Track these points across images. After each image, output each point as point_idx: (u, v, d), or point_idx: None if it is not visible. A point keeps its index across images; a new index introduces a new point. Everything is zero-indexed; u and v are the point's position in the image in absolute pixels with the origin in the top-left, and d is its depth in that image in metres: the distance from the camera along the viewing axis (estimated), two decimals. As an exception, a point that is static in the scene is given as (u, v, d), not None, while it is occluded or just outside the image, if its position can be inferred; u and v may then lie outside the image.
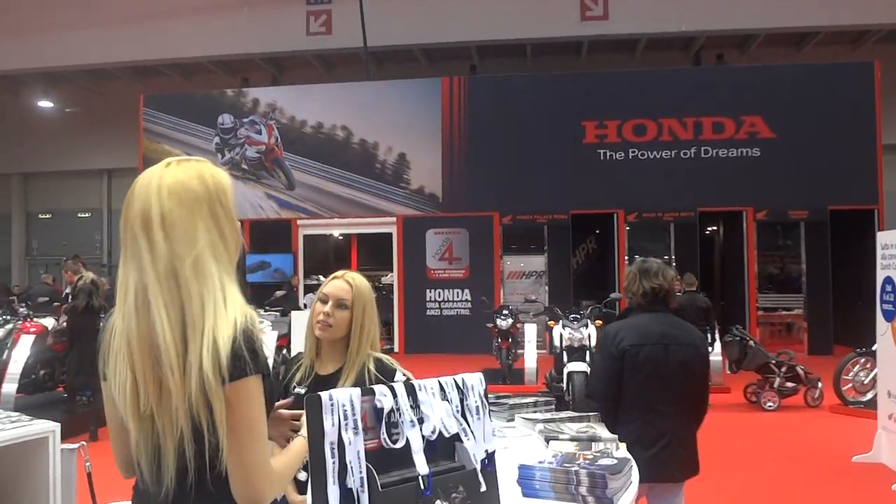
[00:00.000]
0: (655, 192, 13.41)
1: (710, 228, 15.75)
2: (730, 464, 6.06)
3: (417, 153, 14.24)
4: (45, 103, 20.16)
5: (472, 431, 1.53)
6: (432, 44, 15.69)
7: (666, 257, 14.21)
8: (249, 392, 1.33)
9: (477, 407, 1.57)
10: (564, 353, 6.90)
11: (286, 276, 14.06)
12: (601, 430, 2.37)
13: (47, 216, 22.62)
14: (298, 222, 14.61)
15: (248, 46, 15.65)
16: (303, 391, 2.41)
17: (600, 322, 7.20)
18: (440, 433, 1.48)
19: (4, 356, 7.69)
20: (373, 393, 1.43)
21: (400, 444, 1.42)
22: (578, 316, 7.12)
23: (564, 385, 6.62)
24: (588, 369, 6.55)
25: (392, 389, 1.45)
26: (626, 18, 14.59)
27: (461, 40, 15.42)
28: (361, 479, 1.35)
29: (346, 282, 2.42)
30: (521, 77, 14.86)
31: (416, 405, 1.48)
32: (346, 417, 1.37)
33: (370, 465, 1.36)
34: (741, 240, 13.59)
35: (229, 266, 1.47)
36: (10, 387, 7.40)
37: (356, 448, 1.36)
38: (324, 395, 1.36)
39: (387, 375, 2.35)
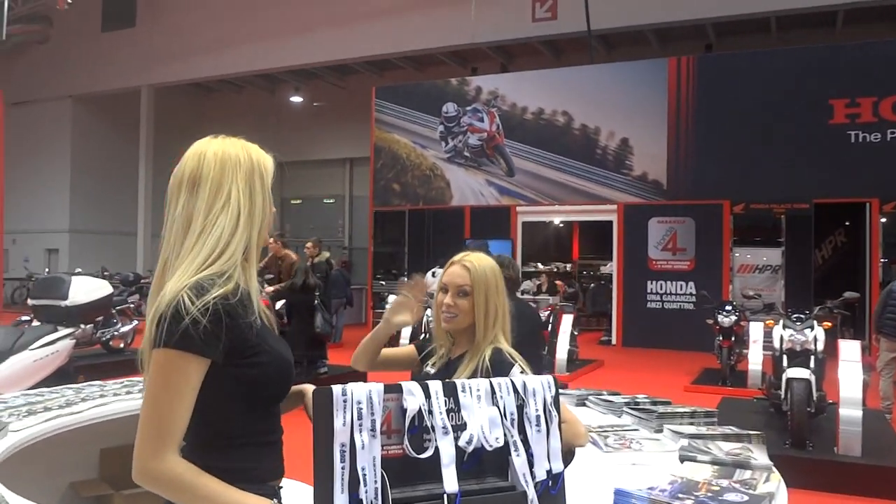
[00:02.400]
0: (920, 179, 11.61)
1: None
2: None
3: (641, 138, 13.55)
4: (296, 98, 22.01)
5: (525, 445, 1.27)
6: (664, 23, 14.83)
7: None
8: (157, 363, 1.33)
9: (538, 416, 1.30)
10: (784, 356, 6.13)
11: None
12: (759, 455, 1.95)
13: (298, 201, 24.76)
14: (518, 209, 14.56)
15: (476, 36, 15.82)
16: (432, 371, 2.29)
17: (829, 324, 6.31)
18: (480, 444, 1.23)
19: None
20: (400, 390, 1.22)
21: (427, 454, 1.20)
22: (803, 316, 6.28)
23: (783, 392, 5.87)
24: (812, 377, 5.76)
25: (425, 388, 1.24)
26: (890, -21, 12.76)
27: (696, 17, 14.41)
28: (376, 490, 1.16)
29: (463, 267, 2.22)
30: (758, 53, 13.54)
31: (456, 409, 1.25)
32: (360, 417, 1.17)
33: (385, 475, 1.16)
34: None
35: (245, 237, 1.44)
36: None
37: (371, 453, 1.17)
38: (336, 388, 1.18)
39: (500, 369, 2.12)
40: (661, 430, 2.30)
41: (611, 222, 13.76)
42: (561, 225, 17.42)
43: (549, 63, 16.85)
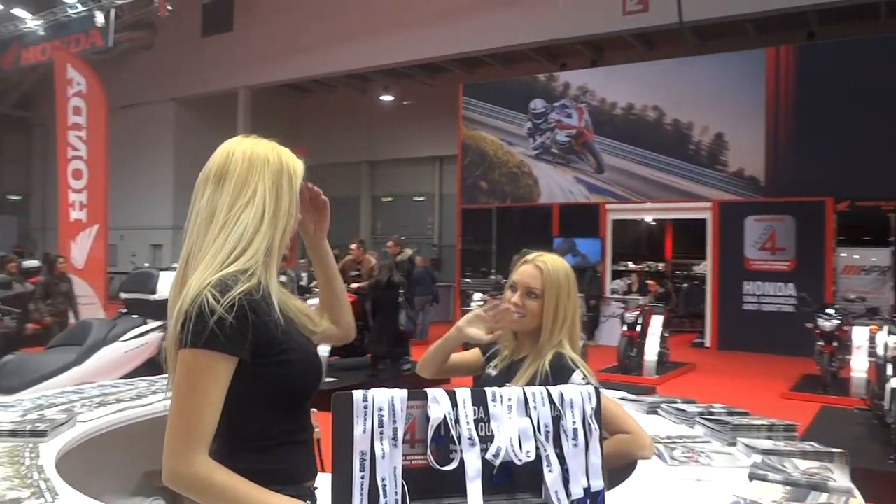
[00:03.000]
0: None
1: None
2: None
3: (736, 132, 12.99)
4: (386, 98, 22.27)
5: (561, 460, 1.18)
6: (762, 12, 14.18)
7: None
8: (185, 364, 1.31)
9: (575, 429, 1.21)
10: (889, 364, 5.72)
11: (588, 261, 13.80)
12: (839, 477, 1.79)
13: (389, 199, 25.08)
14: (607, 206, 14.24)
15: (565, 31, 15.56)
16: (494, 372, 2.23)
17: (939, 331, 5.85)
18: (509, 458, 1.15)
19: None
20: (425, 398, 1.15)
21: (452, 466, 1.13)
22: (909, 321, 5.86)
23: (886, 403, 5.48)
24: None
25: (452, 396, 1.17)
26: None
27: (797, 5, 13.70)
28: (396, 501, 1.10)
29: (535, 267, 2.15)
30: (865, 41, 12.76)
31: (486, 419, 1.18)
32: (381, 424, 1.12)
33: (406, 486, 1.10)
34: None
35: (269, 236, 1.41)
36: (325, 349, 8.21)
37: (392, 463, 1.11)
38: (356, 394, 1.13)
39: (560, 374, 2.03)
40: (734, 444, 2.15)
41: (705, 220, 13.28)
42: (653, 223, 16.94)
43: (641, 57, 16.40)
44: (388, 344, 8.24)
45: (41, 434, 2.04)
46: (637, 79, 14.26)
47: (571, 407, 1.22)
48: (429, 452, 1.13)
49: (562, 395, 1.22)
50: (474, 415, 1.17)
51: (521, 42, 16.60)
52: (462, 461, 1.13)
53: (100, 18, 17.25)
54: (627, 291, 13.03)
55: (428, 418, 1.14)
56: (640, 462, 1.96)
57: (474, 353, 2.37)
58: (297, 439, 1.44)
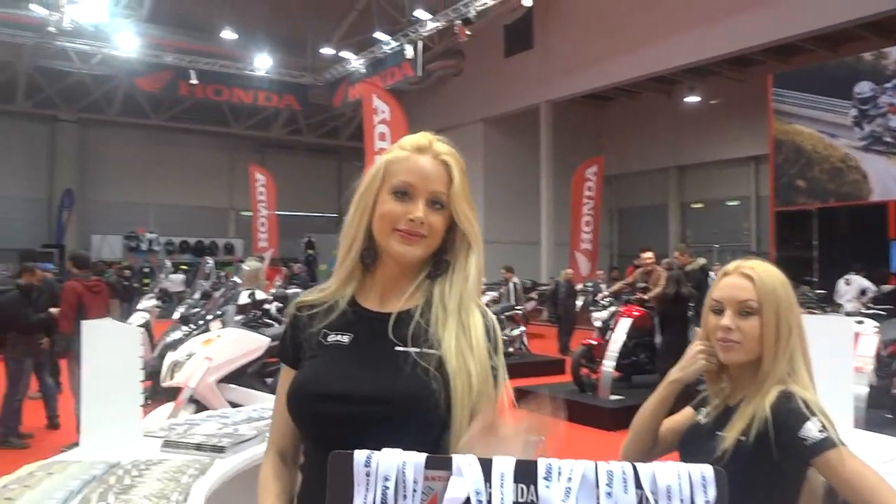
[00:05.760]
0: None
1: None
2: None
3: None
4: (691, 98, 21.10)
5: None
6: None
7: None
8: None
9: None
10: None
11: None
12: None
13: (699, 205, 23.77)
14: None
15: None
16: (703, 420, 1.75)
17: None
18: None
19: (606, 336, 8.17)
20: (449, 467, 0.85)
21: (477, 566, 0.81)
22: None
23: None
24: None
25: (486, 466, 0.85)
26: None
27: None
28: None
29: (743, 275, 1.65)
30: None
31: (533, 500, 0.84)
32: (385, 498, 0.84)
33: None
34: None
35: (348, 241, 1.42)
36: (609, 364, 7.79)
37: (399, 554, 0.83)
38: (358, 455, 0.86)
39: (786, 422, 1.49)
40: None
41: None
42: None
43: None
44: (675, 362, 7.59)
45: (220, 450, 2.04)
46: None
47: (668, 498, 0.82)
48: (444, 545, 0.82)
49: (653, 477, 0.83)
50: (520, 497, 0.83)
51: (848, 19, 14.49)
52: (490, 562, 0.81)
53: (409, 51, 18.70)
54: None
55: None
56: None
57: (687, 413, 1.88)
58: (305, 463, 1.31)
